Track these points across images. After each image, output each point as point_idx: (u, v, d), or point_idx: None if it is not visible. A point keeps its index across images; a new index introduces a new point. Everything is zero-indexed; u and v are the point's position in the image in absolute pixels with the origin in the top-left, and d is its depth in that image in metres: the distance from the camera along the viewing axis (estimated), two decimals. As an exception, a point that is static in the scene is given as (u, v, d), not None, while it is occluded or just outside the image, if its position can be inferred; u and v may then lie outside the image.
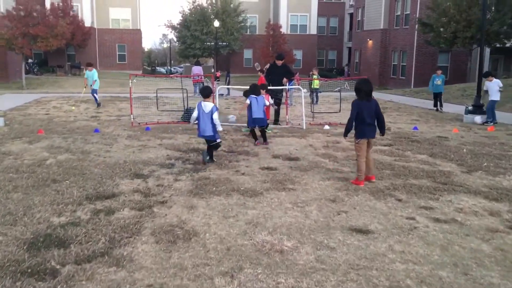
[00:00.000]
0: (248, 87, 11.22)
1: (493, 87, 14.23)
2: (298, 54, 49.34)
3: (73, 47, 43.51)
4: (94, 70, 17.93)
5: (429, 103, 19.42)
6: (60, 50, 39.76)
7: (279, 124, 13.07)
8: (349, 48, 50.28)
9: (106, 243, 4.67)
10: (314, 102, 17.94)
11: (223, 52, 46.52)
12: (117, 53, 49.68)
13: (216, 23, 41.41)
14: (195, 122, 8.42)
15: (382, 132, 7.19)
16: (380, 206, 5.96)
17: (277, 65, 13.12)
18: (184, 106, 13.97)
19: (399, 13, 36.63)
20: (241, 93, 19.05)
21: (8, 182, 6.77)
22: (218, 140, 8.30)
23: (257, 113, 9.80)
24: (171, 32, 50.80)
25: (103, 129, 11.92)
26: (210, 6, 47.33)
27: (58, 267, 4.14)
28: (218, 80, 26.02)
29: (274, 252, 4.51)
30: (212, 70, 38.14)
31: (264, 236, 4.88)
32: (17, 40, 27.10)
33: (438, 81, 17.31)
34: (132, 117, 12.91)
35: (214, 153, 8.47)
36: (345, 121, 13.42)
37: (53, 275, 4.00)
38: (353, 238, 4.89)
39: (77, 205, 5.81)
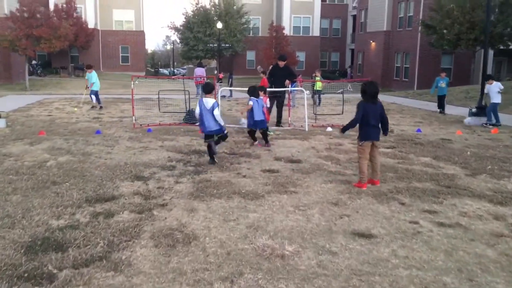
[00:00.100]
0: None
1: (494, 89, 14.14)
2: (301, 56, 49.25)
3: (77, 49, 43.51)
4: (93, 72, 17.82)
5: (433, 105, 19.30)
6: (64, 51, 39.81)
7: (281, 126, 12.99)
8: (352, 50, 50.16)
9: (105, 247, 4.60)
10: (317, 103, 17.86)
11: (226, 54, 46.49)
12: (120, 54, 49.68)
13: (219, 25, 41.38)
14: (197, 124, 8.49)
15: (385, 133, 7.12)
16: (383, 210, 5.88)
17: (279, 66, 13.05)
18: (186, 108, 13.91)
19: (402, 15, 36.53)
20: (244, 95, 19.00)
21: (8, 184, 6.72)
22: (226, 132, 8.38)
23: (258, 115, 9.72)
24: (174, 33, 50.89)
25: (104, 130, 11.87)
26: (213, 8, 47.31)
27: (55, 271, 4.08)
28: (221, 82, 25.97)
29: (275, 257, 4.44)
30: (215, 72, 38.11)
31: (265, 240, 4.80)
32: (21, 41, 27.14)
33: (443, 84, 17.20)
34: (134, 119, 12.86)
35: (215, 154, 8.44)
36: (347, 123, 13.44)
37: (49, 279, 3.94)
38: (356, 243, 4.81)
39: (76, 208, 5.75)
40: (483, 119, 14.18)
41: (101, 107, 17.26)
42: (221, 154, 8.89)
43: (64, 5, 40.01)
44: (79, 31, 39.41)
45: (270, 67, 14.50)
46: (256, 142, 9.94)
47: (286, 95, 13.92)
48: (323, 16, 51.19)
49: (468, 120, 14.50)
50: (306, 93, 14.37)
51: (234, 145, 10.01)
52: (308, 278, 4.02)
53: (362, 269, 4.22)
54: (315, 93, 18.79)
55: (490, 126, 13.58)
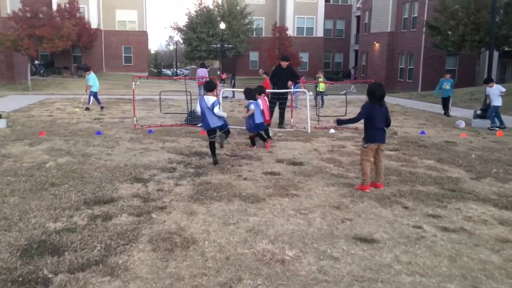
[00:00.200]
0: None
1: (494, 92, 13.99)
2: (305, 57, 49.12)
3: (79, 49, 43.56)
4: (92, 73, 17.65)
5: (437, 107, 19.18)
6: (66, 51, 39.85)
7: (284, 128, 12.90)
8: (356, 51, 50.04)
9: (102, 250, 4.52)
10: (320, 105, 17.75)
11: (229, 55, 46.41)
12: (123, 55, 49.68)
13: (222, 25, 41.32)
14: (199, 125, 8.49)
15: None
16: (386, 214, 5.77)
17: (282, 67, 12.96)
18: (187, 109, 13.83)
19: (406, 16, 36.39)
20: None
21: (6, 185, 6.65)
22: (228, 126, 8.45)
23: (258, 118, 9.61)
24: (177, 34, 50.80)
25: (105, 131, 11.80)
26: (216, 8, 47.25)
27: (50, 275, 4.00)
28: (224, 82, 25.90)
29: (275, 262, 4.34)
30: (218, 73, 38.05)
31: (265, 245, 4.71)
32: (23, 41, 27.13)
33: (447, 85, 17.06)
34: (135, 120, 12.79)
35: (222, 147, 8.59)
36: (351, 124, 13.32)
37: (44, 284, 3.86)
38: (358, 248, 4.71)
39: (74, 210, 5.67)
40: (487, 122, 14.01)
41: (102, 107, 17.17)
42: (222, 156, 8.80)
43: (67, 5, 40.05)
44: (82, 31, 39.43)
45: (273, 68, 14.40)
46: (255, 147, 9.83)
47: (289, 97, 13.81)
48: (326, 16, 51.07)
49: (459, 122, 14.27)
50: (309, 95, 14.27)
51: (235, 147, 9.92)
52: (308, 284, 3.93)
53: (364, 275, 4.12)
54: (318, 94, 18.69)
55: (497, 129, 13.43)
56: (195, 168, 7.98)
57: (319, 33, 50.61)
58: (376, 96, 6.62)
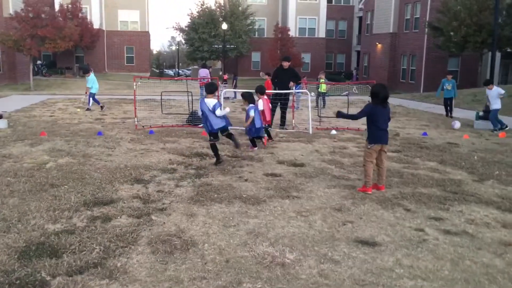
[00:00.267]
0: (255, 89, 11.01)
1: (493, 95, 13.88)
2: (306, 58, 49.10)
3: (82, 49, 43.59)
4: (91, 75, 17.56)
5: (439, 108, 19.10)
6: (69, 51, 39.86)
7: (285, 128, 12.85)
8: (358, 52, 49.99)
9: (100, 253, 4.47)
10: (321, 106, 17.70)
11: (231, 55, 46.40)
12: (125, 55, 49.74)
13: (224, 26, 41.32)
14: (200, 126, 8.51)
15: None
16: (388, 216, 5.72)
17: (284, 67, 12.91)
18: (189, 109, 13.80)
19: (408, 16, 36.32)
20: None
21: (5, 186, 6.61)
22: (230, 128, 8.50)
23: (258, 122, 9.55)
24: (179, 34, 50.84)
25: (106, 132, 11.76)
26: (218, 9, 47.24)
27: (48, 278, 3.96)
28: (226, 83, 25.86)
29: (275, 265, 4.30)
30: (220, 73, 38.02)
31: (265, 248, 4.66)
32: (25, 41, 27.15)
33: (449, 86, 16.98)
34: (136, 120, 12.76)
35: (239, 147, 8.73)
36: (353, 125, 13.29)
37: (42, 287, 3.82)
38: (359, 251, 4.66)
39: (73, 212, 5.63)
40: (490, 124, 13.92)
41: (102, 107, 17.12)
42: (223, 157, 8.75)
43: (70, 6, 40.10)
44: (84, 32, 39.46)
45: (275, 69, 14.35)
46: (256, 148, 9.78)
47: (290, 97, 13.77)
48: (328, 17, 51.03)
49: (454, 123, 14.15)
50: (311, 95, 14.22)
51: (236, 148, 9.85)
52: (309, 289, 3.88)
53: (365, 278, 4.08)
54: (320, 95, 18.63)
55: (500, 131, 13.35)
56: (196, 169, 7.94)
57: (321, 33, 50.59)
58: (379, 97, 6.57)
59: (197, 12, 46.90)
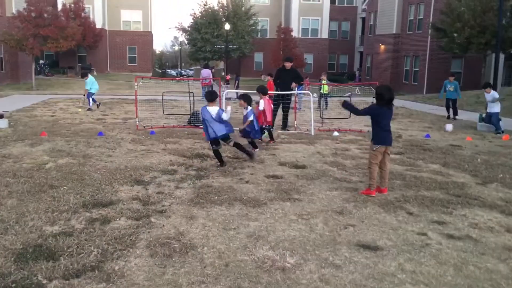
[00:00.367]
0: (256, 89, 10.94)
1: (489, 99, 13.81)
2: (309, 58, 49.02)
3: (84, 49, 43.60)
4: (90, 77, 17.44)
5: (442, 110, 18.99)
6: (71, 51, 39.89)
7: (287, 130, 12.78)
8: (361, 53, 49.85)
9: (98, 256, 4.41)
10: (323, 107, 17.62)
11: (233, 56, 46.33)
12: (128, 55, 49.74)
13: (227, 26, 41.25)
14: (201, 126, 8.46)
15: None
16: (390, 220, 5.64)
17: (286, 68, 12.85)
18: (190, 110, 13.74)
19: (412, 17, 36.19)
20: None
21: (4, 187, 6.55)
22: (231, 135, 8.44)
23: (257, 124, 9.47)
24: (181, 34, 50.79)
25: (107, 132, 11.71)
26: (221, 9, 47.19)
27: (44, 281, 3.90)
28: (228, 83, 25.79)
29: (276, 269, 4.23)
30: (223, 74, 37.97)
31: (265, 251, 4.59)
32: (28, 41, 27.14)
33: (451, 88, 16.88)
34: (137, 121, 12.70)
35: (252, 156, 8.64)
36: (355, 127, 13.22)
37: (38, 291, 3.76)
38: (361, 255, 4.59)
39: (72, 213, 5.57)
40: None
41: (98, 105, 17.02)
42: (224, 158, 8.67)
43: (72, 5, 40.11)
44: (87, 31, 39.45)
45: (277, 70, 14.28)
46: (257, 150, 9.69)
47: (292, 98, 13.70)
48: (331, 18, 50.91)
49: (447, 126, 14.05)
50: (313, 96, 14.14)
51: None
52: (309, 294, 3.81)
53: (367, 284, 4.00)
54: (322, 96, 18.52)
55: (503, 133, 13.27)
56: (197, 171, 7.88)
57: (324, 34, 50.48)
58: (384, 99, 6.51)
59: (200, 12, 46.84)
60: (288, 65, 12.86)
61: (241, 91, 20.82)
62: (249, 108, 9.41)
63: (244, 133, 9.33)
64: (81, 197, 6.20)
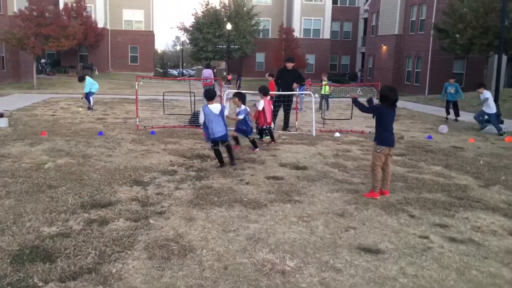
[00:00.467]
0: (258, 89, 10.91)
1: (482, 99, 13.79)
2: (311, 59, 48.94)
3: (86, 48, 43.57)
4: (87, 79, 17.35)
5: (444, 111, 18.86)
6: (73, 50, 39.87)
7: (288, 130, 12.71)
8: (363, 53, 49.75)
9: (95, 258, 4.35)
10: (325, 108, 17.55)
11: (235, 55, 46.26)
12: (130, 54, 49.72)
13: (229, 26, 41.19)
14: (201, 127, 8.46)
15: None
16: (392, 223, 5.58)
17: (287, 68, 12.78)
18: (191, 110, 13.68)
19: (414, 18, 36.09)
20: (251, 98, 18.72)
21: (2, 187, 6.50)
22: (229, 139, 8.41)
23: (249, 124, 9.43)
24: (183, 34, 50.74)
25: (107, 132, 11.65)
26: (223, 9, 47.12)
27: (40, 284, 3.84)
28: (229, 83, 25.76)
29: (275, 272, 4.16)
30: (224, 74, 37.92)
31: (265, 254, 4.53)
32: (29, 40, 27.10)
33: (452, 90, 16.78)
34: (137, 120, 12.65)
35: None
36: (356, 128, 13.16)
37: (33, 293, 3.70)
38: (362, 259, 4.52)
39: (70, 214, 5.51)
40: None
41: (89, 108, 16.96)
42: (225, 159, 8.61)
43: (74, 4, 40.10)
44: (89, 30, 39.44)
45: (278, 70, 14.22)
46: (258, 149, 9.64)
47: (294, 99, 13.63)
48: (333, 18, 50.82)
49: (442, 127, 13.96)
50: (315, 97, 14.07)
51: (238, 150, 9.73)
52: (309, 298, 3.75)
53: (367, 288, 3.94)
54: (323, 97, 18.43)
55: (505, 134, 13.18)
56: (197, 171, 7.81)
57: (326, 35, 50.39)
58: (389, 100, 6.46)
59: (202, 12, 46.77)
60: (289, 65, 12.79)
61: (243, 91, 20.78)
62: (243, 107, 9.37)
63: (239, 131, 9.30)
64: (80, 197, 6.14)
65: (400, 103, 23.32)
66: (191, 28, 47.38)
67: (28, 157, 8.49)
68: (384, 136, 6.55)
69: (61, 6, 39.74)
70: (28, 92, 25.34)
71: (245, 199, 6.27)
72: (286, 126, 12.88)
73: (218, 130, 7.96)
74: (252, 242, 4.84)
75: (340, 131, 12.66)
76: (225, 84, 23.64)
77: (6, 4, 30.78)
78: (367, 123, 14.61)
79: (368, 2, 45.52)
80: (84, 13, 40.94)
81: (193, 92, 13.93)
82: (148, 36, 50.17)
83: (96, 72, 42.67)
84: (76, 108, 17.25)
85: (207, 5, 46.75)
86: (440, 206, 6.23)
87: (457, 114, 16.97)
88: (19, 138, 10.35)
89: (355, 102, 6.85)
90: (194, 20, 47.06)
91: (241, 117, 9.23)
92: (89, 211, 5.64)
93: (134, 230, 5.07)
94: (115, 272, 4.09)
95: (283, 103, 12.80)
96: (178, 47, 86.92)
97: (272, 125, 11.75)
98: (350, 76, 49.58)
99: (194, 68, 67.38)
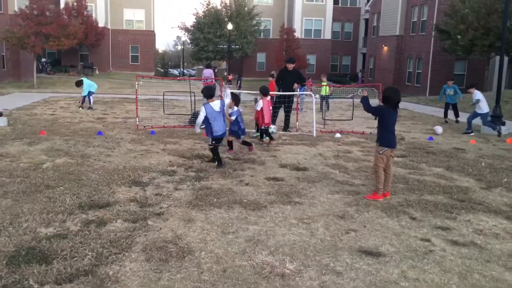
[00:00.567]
0: (259, 89, 10.87)
1: (473, 99, 13.74)
2: (312, 59, 48.86)
3: (86, 47, 43.51)
4: (85, 82, 17.20)
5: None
6: (73, 50, 39.78)
7: (289, 131, 12.65)
8: (364, 54, 49.69)
9: (92, 259, 4.29)
10: (325, 109, 17.47)
11: (236, 56, 46.20)
12: (130, 54, 49.68)
13: (230, 26, 41.13)
14: (202, 127, 8.34)
15: None
16: (393, 225, 5.51)
17: (288, 69, 12.72)
18: (191, 110, 13.61)
19: (415, 19, 36.03)
20: (252, 98, 18.69)
21: (0, 186, 6.44)
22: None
23: (242, 125, 9.35)
24: (184, 34, 50.69)
25: (107, 131, 11.59)
26: (224, 9, 47.07)
27: (36, 286, 3.78)
28: (230, 83, 25.69)
29: (275, 275, 4.10)
30: (225, 73, 37.86)
31: (264, 257, 4.47)
32: (29, 39, 27.03)
33: (450, 92, 16.68)
34: (137, 120, 12.58)
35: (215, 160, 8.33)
36: (357, 129, 13.09)
37: (29, 296, 3.64)
38: (362, 262, 4.46)
39: (68, 215, 5.45)
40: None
41: (81, 107, 16.88)
42: (225, 160, 8.56)
43: (75, 3, 40.05)
44: (89, 30, 39.38)
45: (279, 70, 14.17)
46: (252, 146, 9.59)
47: (294, 99, 13.57)
48: (335, 19, 50.76)
49: (437, 128, 13.90)
50: (315, 97, 14.01)
51: (239, 150, 9.67)
52: (309, 302, 3.69)
53: (368, 292, 3.88)
54: (323, 99, 18.33)
55: (502, 132, 13.11)
56: (196, 172, 7.75)
57: (327, 35, 50.33)
58: (392, 101, 6.40)
59: (203, 12, 46.73)
60: (290, 66, 12.73)
61: (243, 91, 20.74)
62: (235, 108, 9.31)
63: (232, 132, 9.24)
64: (78, 198, 6.08)
65: (400, 104, 23.28)
66: (192, 28, 47.34)
67: (27, 156, 8.42)
68: (386, 137, 6.50)
69: (61, 5, 39.70)
70: (28, 91, 25.26)
71: (244, 200, 6.21)
72: (286, 126, 12.82)
73: (217, 128, 7.94)
74: (251, 244, 4.78)
75: (341, 132, 12.59)
76: (226, 84, 23.57)
77: (6, 3, 30.73)
78: (368, 124, 14.55)
79: (369, 3, 45.46)
80: (85, 12, 40.88)
81: (193, 92, 13.86)
82: (149, 36, 50.12)
83: (97, 72, 42.61)
84: (75, 107, 17.17)
85: (208, 5, 46.72)
86: (442, 209, 6.16)
87: (456, 115, 16.89)
88: (17, 137, 10.29)
89: (364, 99, 6.77)
90: (195, 20, 47.04)
91: (233, 118, 9.18)
92: (86, 212, 5.58)
93: (132, 231, 5.00)
94: (112, 274, 4.03)
95: (284, 104, 12.73)
96: (179, 47, 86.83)
97: (273, 126, 11.69)
98: (351, 76, 49.52)
99: (195, 68, 67.32)
